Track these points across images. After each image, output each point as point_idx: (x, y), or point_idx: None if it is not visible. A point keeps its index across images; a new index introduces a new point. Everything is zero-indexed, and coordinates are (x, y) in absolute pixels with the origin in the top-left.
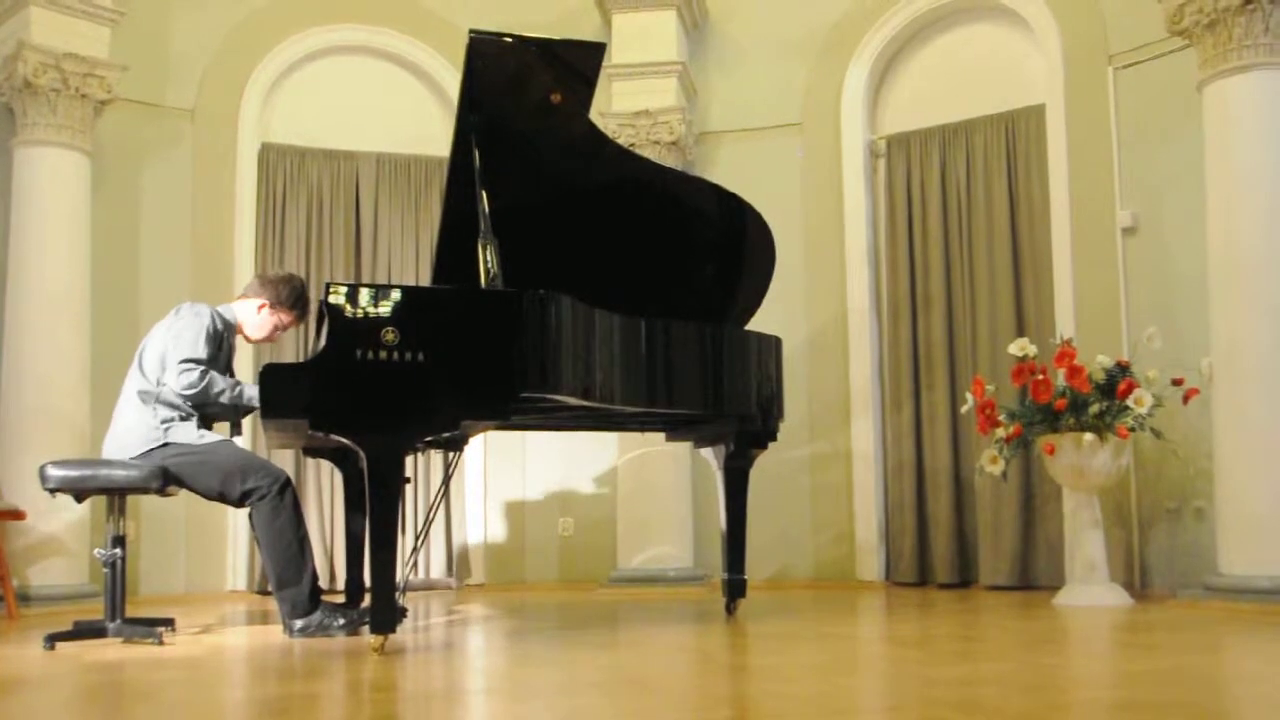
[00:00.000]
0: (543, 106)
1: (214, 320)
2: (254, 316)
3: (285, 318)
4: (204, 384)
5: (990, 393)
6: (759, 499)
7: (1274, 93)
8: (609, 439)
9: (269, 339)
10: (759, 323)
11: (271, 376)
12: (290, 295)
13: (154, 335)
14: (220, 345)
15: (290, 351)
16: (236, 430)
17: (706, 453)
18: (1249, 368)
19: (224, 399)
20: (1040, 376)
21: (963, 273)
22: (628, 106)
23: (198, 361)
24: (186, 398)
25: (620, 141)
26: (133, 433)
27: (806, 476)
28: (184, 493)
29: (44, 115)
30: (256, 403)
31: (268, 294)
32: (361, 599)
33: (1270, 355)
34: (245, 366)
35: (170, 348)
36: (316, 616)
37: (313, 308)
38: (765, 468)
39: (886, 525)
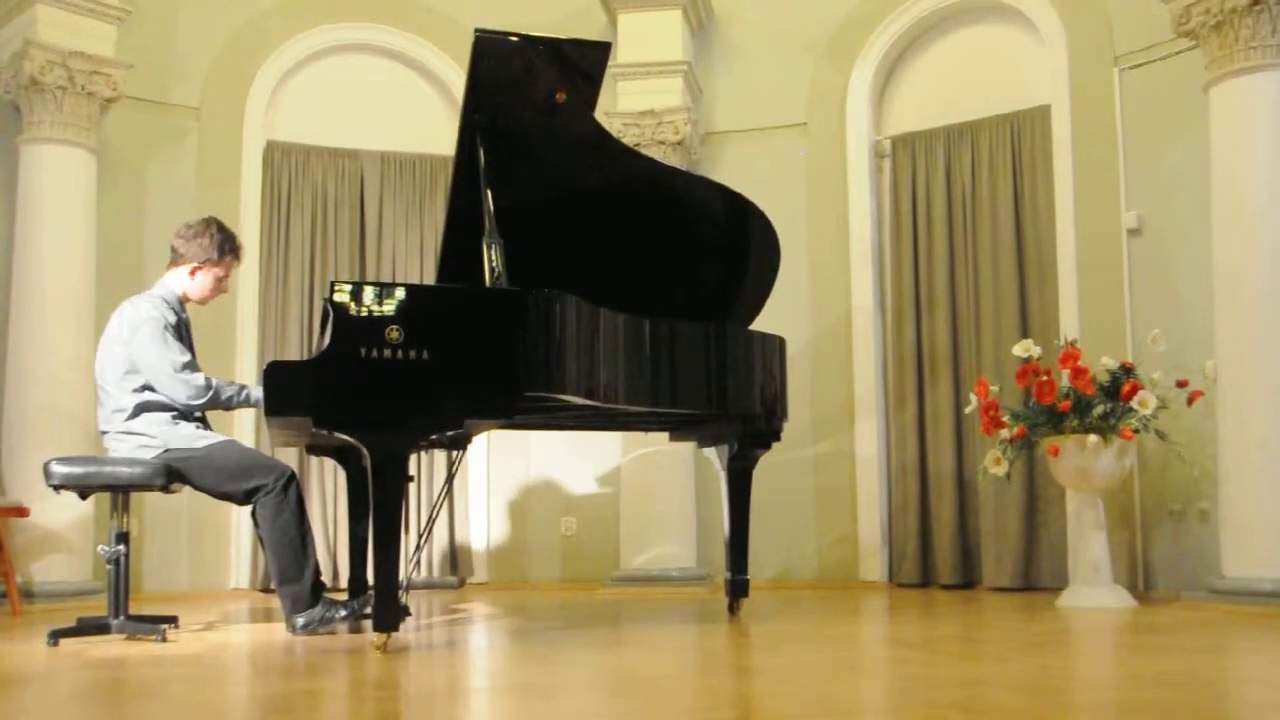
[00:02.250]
0: (548, 106)
1: (162, 311)
2: (190, 283)
3: (221, 270)
4: (211, 393)
5: (994, 394)
6: (762, 499)
7: None
8: (612, 439)
9: (219, 292)
10: (763, 322)
11: (276, 374)
12: (214, 246)
13: (109, 348)
14: (181, 332)
15: (295, 349)
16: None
17: (710, 453)
18: (1254, 370)
19: (232, 405)
20: (1044, 378)
21: (967, 273)
22: (633, 106)
23: (190, 366)
24: (195, 407)
25: (625, 141)
26: (127, 450)
27: (810, 477)
28: (188, 490)
29: (50, 113)
30: (262, 402)
31: (193, 256)
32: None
33: (1275, 357)
34: (249, 366)
35: (143, 360)
36: (318, 611)
37: (243, 241)
38: (769, 468)
39: (890, 526)
